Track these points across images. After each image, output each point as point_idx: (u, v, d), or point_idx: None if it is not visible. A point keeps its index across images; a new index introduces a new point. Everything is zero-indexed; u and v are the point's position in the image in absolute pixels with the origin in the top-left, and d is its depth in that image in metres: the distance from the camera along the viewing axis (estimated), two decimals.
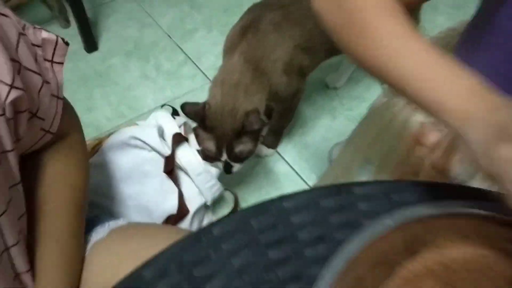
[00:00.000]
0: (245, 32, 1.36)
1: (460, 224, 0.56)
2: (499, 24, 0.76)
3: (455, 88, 0.56)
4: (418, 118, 0.89)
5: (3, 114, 0.67)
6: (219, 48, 1.83)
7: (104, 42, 2.11)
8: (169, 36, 2.13)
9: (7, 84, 0.67)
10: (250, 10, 1.48)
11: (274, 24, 1.36)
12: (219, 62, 1.76)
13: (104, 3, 2.24)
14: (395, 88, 0.63)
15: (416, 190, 0.63)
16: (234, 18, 1.89)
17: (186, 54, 2.06)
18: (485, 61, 0.79)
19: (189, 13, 2.23)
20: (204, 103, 1.29)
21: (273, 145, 1.69)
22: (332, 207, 0.65)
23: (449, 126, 0.55)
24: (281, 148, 1.70)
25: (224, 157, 1.29)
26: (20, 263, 0.78)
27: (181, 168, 1.33)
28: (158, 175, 1.30)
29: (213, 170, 1.33)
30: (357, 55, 0.67)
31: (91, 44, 2.04)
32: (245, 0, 2.04)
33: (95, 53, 2.06)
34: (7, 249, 0.74)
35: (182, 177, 1.34)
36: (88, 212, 0.97)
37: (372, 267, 0.56)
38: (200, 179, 1.29)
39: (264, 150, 1.63)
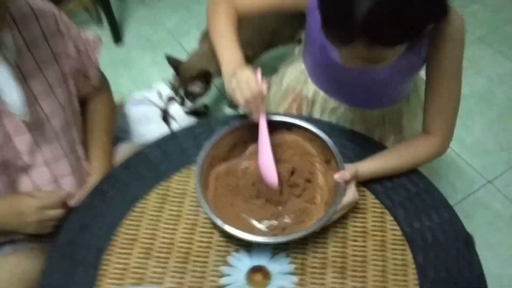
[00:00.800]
0: None
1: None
2: (310, 34, 1.06)
3: (227, 61, 0.94)
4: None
5: (72, 76, 1.03)
6: None
7: (126, 37, 2.33)
8: (171, 34, 2.35)
9: (75, 60, 1.03)
10: None
11: None
12: None
13: (127, 8, 2.46)
14: (215, 46, 0.99)
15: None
16: None
17: (182, 47, 2.28)
18: (309, 54, 1.14)
19: (187, 18, 2.42)
20: (180, 61, 1.69)
21: (234, 105, 1.82)
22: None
23: (223, 70, 0.94)
24: None
25: (182, 93, 1.67)
26: (82, 153, 1.11)
27: (172, 118, 1.66)
28: (157, 120, 1.63)
29: (192, 119, 1.68)
30: (210, 31, 1.02)
31: (117, 37, 2.29)
32: None
33: (120, 45, 2.30)
34: (73, 144, 1.07)
35: (173, 123, 1.66)
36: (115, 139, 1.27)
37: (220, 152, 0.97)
38: (183, 125, 1.56)
39: (227, 109, 1.95)
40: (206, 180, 0.94)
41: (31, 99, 0.94)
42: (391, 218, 0.98)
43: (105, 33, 2.30)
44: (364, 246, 0.93)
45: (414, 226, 0.97)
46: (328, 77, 1.13)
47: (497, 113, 2.00)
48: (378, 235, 0.95)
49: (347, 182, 0.91)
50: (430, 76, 0.98)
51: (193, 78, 1.66)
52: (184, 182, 1.02)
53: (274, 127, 0.98)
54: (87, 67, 1.10)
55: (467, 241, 0.96)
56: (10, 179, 0.99)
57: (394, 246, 0.94)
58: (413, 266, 0.91)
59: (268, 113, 0.96)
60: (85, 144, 1.15)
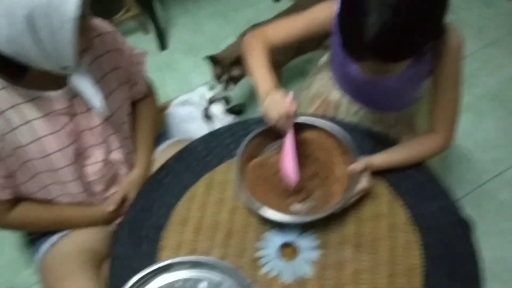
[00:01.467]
0: None
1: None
2: (334, 50, 1.20)
3: (262, 86, 1.07)
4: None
5: (126, 83, 1.17)
6: None
7: (171, 44, 2.44)
8: (211, 40, 2.44)
9: (127, 71, 1.17)
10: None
11: None
12: None
13: (170, 17, 2.57)
14: (250, 74, 1.13)
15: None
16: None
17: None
18: (334, 65, 1.27)
19: (224, 25, 2.51)
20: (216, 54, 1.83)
21: None
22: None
23: (258, 93, 1.07)
24: None
25: (225, 77, 1.81)
26: (131, 146, 1.24)
27: (213, 117, 1.80)
28: (199, 119, 1.77)
29: (230, 117, 1.82)
30: (246, 62, 1.15)
31: (163, 45, 2.40)
32: (259, 17, 2.48)
33: (165, 51, 2.41)
34: (126, 138, 1.21)
35: (214, 120, 1.79)
36: (160, 134, 1.43)
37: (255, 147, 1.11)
38: (223, 123, 1.73)
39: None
40: (243, 171, 1.08)
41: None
42: (402, 202, 1.10)
43: (151, 40, 2.44)
44: (377, 227, 1.06)
45: (420, 210, 1.09)
46: (350, 85, 1.26)
47: (508, 111, 2.08)
48: (389, 217, 1.08)
49: (361, 171, 1.03)
50: (434, 83, 1.10)
51: (233, 63, 1.80)
52: (226, 172, 1.17)
53: (299, 127, 1.11)
54: (136, 76, 1.24)
55: (465, 224, 1.08)
56: (79, 166, 1.14)
57: (403, 227, 1.06)
58: (418, 244, 1.03)
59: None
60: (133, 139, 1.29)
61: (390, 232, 1.05)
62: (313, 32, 1.15)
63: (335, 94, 1.31)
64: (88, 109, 1.09)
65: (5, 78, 0.97)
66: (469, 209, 1.07)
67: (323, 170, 1.11)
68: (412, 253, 1.01)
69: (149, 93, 1.36)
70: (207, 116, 1.77)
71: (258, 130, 1.11)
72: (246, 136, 1.11)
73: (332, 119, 1.26)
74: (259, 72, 1.11)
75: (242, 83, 2.17)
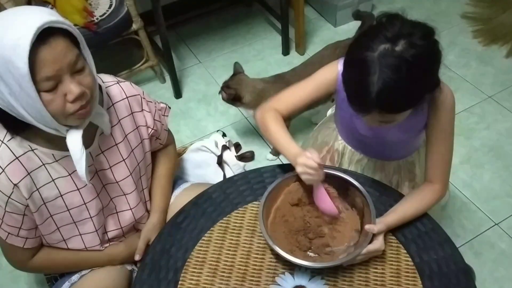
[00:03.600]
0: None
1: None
2: (339, 106, 1.28)
3: (290, 152, 1.12)
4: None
5: (148, 138, 1.21)
6: None
7: (186, 93, 2.51)
8: None
9: (151, 128, 1.23)
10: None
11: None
12: None
13: (185, 68, 2.65)
14: (274, 146, 1.19)
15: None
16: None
17: None
18: (339, 119, 1.35)
19: None
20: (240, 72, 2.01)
21: (276, 153, 2.09)
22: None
23: (289, 160, 1.13)
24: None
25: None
26: (147, 196, 1.29)
27: (225, 162, 1.85)
28: (213, 165, 1.81)
29: (241, 164, 1.88)
30: (265, 136, 1.21)
31: (178, 93, 2.47)
32: (269, 70, 2.58)
33: (180, 99, 2.48)
34: (143, 189, 1.26)
35: (226, 167, 1.84)
36: (176, 179, 1.48)
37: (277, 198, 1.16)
38: (234, 168, 1.84)
39: (269, 156, 2.11)
40: (267, 213, 1.12)
41: (118, 160, 1.16)
42: (405, 251, 1.14)
43: (167, 88, 2.53)
44: (383, 273, 1.10)
45: (423, 258, 1.12)
46: (353, 137, 1.32)
47: (505, 163, 2.13)
48: (394, 264, 1.11)
49: (375, 234, 1.06)
50: (429, 135, 1.16)
51: (230, 88, 1.98)
52: (241, 218, 1.21)
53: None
54: (159, 131, 1.29)
55: (466, 272, 1.12)
56: (100, 220, 1.20)
57: (407, 274, 1.09)
58: None
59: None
60: (150, 187, 1.34)
61: (395, 279, 1.08)
62: (321, 95, 1.22)
63: (340, 143, 1.38)
64: (112, 165, 1.15)
65: (30, 139, 1.01)
66: (469, 257, 1.11)
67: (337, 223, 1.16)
68: None
69: (169, 142, 1.41)
70: (220, 163, 1.83)
71: (283, 177, 1.17)
72: (259, 183, 1.18)
73: (346, 171, 1.32)
74: (282, 140, 1.17)
75: (251, 131, 2.26)
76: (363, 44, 0.95)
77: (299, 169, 1.08)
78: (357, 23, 2.49)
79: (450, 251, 1.14)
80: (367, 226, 1.05)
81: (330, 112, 1.55)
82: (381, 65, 0.91)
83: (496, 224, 1.91)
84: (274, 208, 1.15)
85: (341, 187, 1.16)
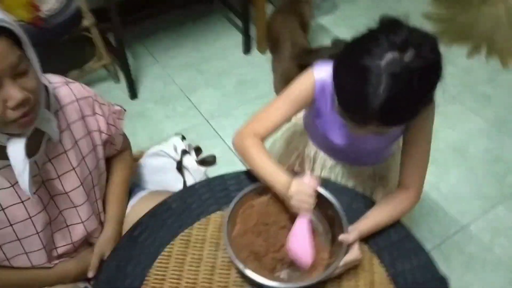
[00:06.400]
0: None
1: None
2: (314, 116, 1.20)
3: (279, 181, 1.03)
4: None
5: (101, 145, 1.14)
6: (212, 99, 2.34)
7: (142, 93, 2.44)
8: (182, 90, 2.46)
9: (105, 133, 1.15)
10: None
11: None
12: (213, 107, 2.23)
13: (141, 67, 2.57)
14: (259, 177, 1.08)
15: None
16: (223, 80, 2.43)
17: (192, 102, 2.39)
18: (312, 128, 1.29)
19: (195, 76, 2.53)
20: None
21: None
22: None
23: (279, 193, 1.04)
24: None
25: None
26: (100, 207, 1.20)
27: (185, 168, 1.73)
28: (172, 170, 1.69)
29: (202, 169, 1.76)
30: (248, 165, 1.12)
31: (133, 94, 2.40)
32: (231, 69, 2.62)
33: (136, 100, 2.41)
34: (96, 200, 1.18)
35: (186, 172, 1.72)
36: (132, 186, 1.40)
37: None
38: (195, 174, 1.71)
39: None
40: (232, 227, 1.06)
41: (68, 168, 1.07)
42: (379, 260, 1.10)
43: (122, 88, 2.43)
44: (357, 286, 1.06)
45: (397, 268, 1.09)
46: (327, 145, 1.27)
47: (470, 164, 2.16)
48: (368, 276, 1.07)
49: (350, 243, 1.01)
50: (407, 140, 1.12)
51: None
52: (204, 230, 1.14)
53: None
54: (114, 136, 1.21)
55: (442, 281, 1.09)
56: (47, 235, 1.11)
57: (381, 286, 1.06)
58: None
59: None
60: (104, 196, 1.26)
61: None
62: (300, 109, 1.16)
63: (311, 149, 1.33)
64: (60, 175, 1.06)
65: None
66: (438, 261, 1.08)
67: None
68: None
69: (124, 147, 1.34)
70: (180, 169, 1.74)
71: (248, 189, 1.11)
72: (223, 191, 1.12)
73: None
74: (268, 168, 1.08)
75: (211, 133, 2.19)
76: (367, 50, 0.86)
77: (294, 201, 1.00)
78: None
79: (424, 259, 1.11)
80: (341, 237, 1.00)
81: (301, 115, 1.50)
82: (388, 75, 0.84)
83: (464, 226, 1.91)
84: (240, 223, 1.09)
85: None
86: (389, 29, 0.87)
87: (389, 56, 0.84)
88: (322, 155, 1.31)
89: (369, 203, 1.19)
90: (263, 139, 1.14)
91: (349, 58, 0.91)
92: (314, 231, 1.05)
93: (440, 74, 0.89)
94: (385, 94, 0.84)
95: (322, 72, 1.09)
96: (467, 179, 2.09)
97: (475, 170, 2.13)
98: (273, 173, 1.07)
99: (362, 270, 1.08)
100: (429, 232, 1.87)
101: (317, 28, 2.80)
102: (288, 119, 1.16)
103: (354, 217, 1.12)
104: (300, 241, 1.00)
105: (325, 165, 1.31)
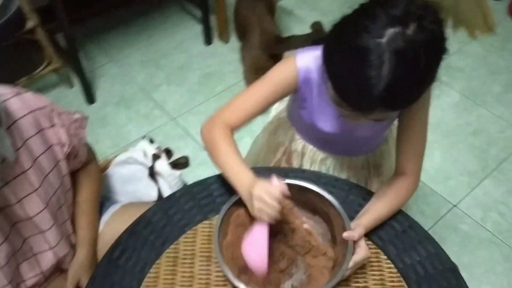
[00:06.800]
0: None
1: None
2: (300, 105, 1.12)
3: (242, 181, 0.95)
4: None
5: (64, 159, 1.05)
6: (177, 96, 2.27)
7: (100, 96, 2.32)
8: (143, 89, 2.36)
9: (67, 146, 1.05)
10: None
11: None
12: (179, 105, 2.15)
13: (96, 68, 2.46)
14: (223, 173, 1.01)
15: None
16: (186, 74, 2.35)
17: (155, 101, 2.30)
18: (298, 119, 1.20)
19: (155, 73, 2.44)
20: None
21: None
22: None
23: (238, 192, 0.95)
24: None
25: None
26: (70, 228, 1.13)
27: (158, 173, 1.62)
28: (144, 178, 1.59)
29: (177, 173, 1.67)
30: (213, 158, 1.02)
31: (90, 98, 2.29)
32: (193, 62, 2.53)
33: (94, 105, 2.29)
34: (64, 221, 1.10)
35: (159, 178, 1.62)
36: (102, 200, 1.32)
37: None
38: (169, 179, 1.61)
39: None
40: (221, 245, 0.95)
41: (29, 191, 0.97)
42: (385, 256, 1.04)
43: (77, 93, 2.31)
44: (366, 286, 0.99)
45: (406, 262, 1.03)
46: (315, 135, 1.19)
47: (452, 140, 2.14)
48: (376, 274, 1.01)
49: (355, 241, 0.93)
50: (405, 125, 1.06)
51: None
52: (192, 243, 1.05)
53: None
54: (77, 147, 1.12)
55: (454, 270, 1.03)
56: (15, 267, 1.02)
57: (392, 283, 0.99)
58: None
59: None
60: (72, 216, 1.17)
61: None
62: (279, 97, 1.07)
63: (298, 143, 1.25)
64: (20, 199, 0.96)
65: None
66: None
67: (303, 239, 1.01)
68: None
69: (89, 159, 1.24)
70: (152, 175, 1.63)
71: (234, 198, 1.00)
72: (207, 198, 1.04)
73: (302, 170, 1.20)
74: (234, 166, 0.99)
75: (180, 133, 2.10)
76: (363, 27, 0.77)
77: (256, 203, 0.89)
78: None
79: (433, 249, 1.06)
80: (345, 234, 0.92)
81: (277, 106, 1.41)
82: (391, 53, 0.76)
83: (454, 205, 1.89)
84: (231, 235, 0.99)
85: (299, 196, 1.02)
86: (385, 1, 0.79)
87: (391, 31, 0.76)
88: (311, 148, 1.23)
89: (366, 194, 1.13)
90: (233, 130, 1.05)
91: (342, 39, 0.82)
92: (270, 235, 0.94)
93: (444, 46, 0.82)
94: (390, 75, 0.76)
95: (305, 59, 1.01)
96: (451, 157, 2.06)
97: (457, 146, 2.11)
98: (237, 171, 0.98)
99: (370, 269, 1.01)
100: (421, 215, 1.83)
101: (280, 11, 2.72)
102: (264, 109, 1.07)
103: (351, 210, 1.07)
104: (258, 249, 0.91)
105: (314, 158, 1.23)
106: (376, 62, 0.76)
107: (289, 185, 0.94)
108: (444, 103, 2.30)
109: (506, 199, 1.92)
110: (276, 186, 0.89)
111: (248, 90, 1.07)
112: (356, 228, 0.94)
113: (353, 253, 0.93)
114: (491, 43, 2.68)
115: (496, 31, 2.74)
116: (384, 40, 0.76)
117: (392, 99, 0.80)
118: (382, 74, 0.76)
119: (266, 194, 0.88)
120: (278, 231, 1.00)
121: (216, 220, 0.98)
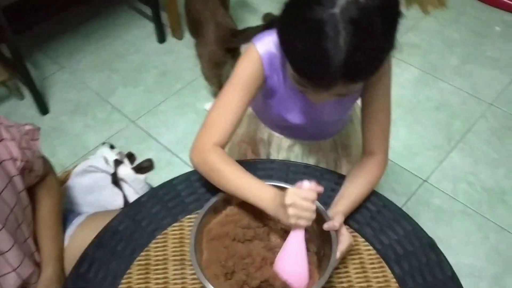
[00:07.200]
0: None
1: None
2: (266, 94, 1.08)
3: (264, 195, 0.89)
4: None
5: (18, 174, 0.99)
6: (134, 98, 2.21)
7: (53, 106, 2.24)
8: (98, 94, 2.29)
9: (20, 160, 0.98)
10: None
11: None
12: (137, 107, 2.10)
13: (47, 77, 2.37)
14: (239, 196, 0.92)
15: None
16: (141, 75, 2.29)
17: (112, 105, 2.23)
18: (265, 116, 1.20)
19: (110, 76, 2.37)
20: None
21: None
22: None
23: (266, 211, 0.89)
24: None
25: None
26: (32, 246, 1.07)
27: (122, 179, 1.57)
28: (108, 186, 1.54)
29: (142, 177, 1.62)
30: (219, 185, 0.95)
31: (43, 109, 2.20)
32: (148, 62, 2.47)
33: (47, 115, 2.20)
34: (26, 239, 1.04)
35: (123, 185, 1.56)
36: (64, 213, 1.26)
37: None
38: (134, 184, 1.57)
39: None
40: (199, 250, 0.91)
41: None
42: (362, 239, 1.02)
43: (28, 105, 2.22)
44: (347, 272, 0.97)
45: (384, 242, 1.02)
46: (283, 125, 1.16)
47: (416, 116, 2.16)
48: (356, 257, 0.99)
49: (337, 230, 0.90)
50: (368, 103, 1.04)
51: None
52: (163, 248, 1.01)
53: None
54: (31, 161, 1.07)
55: (432, 245, 1.03)
56: None
57: (372, 265, 0.98)
58: (393, 279, 0.96)
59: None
60: (34, 233, 1.12)
61: (361, 274, 0.96)
62: (254, 94, 1.02)
63: (264, 131, 1.22)
64: None
65: None
66: None
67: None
68: None
69: (46, 172, 1.19)
70: (116, 182, 1.58)
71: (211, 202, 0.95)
72: (175, 199, 1.00)
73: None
74: (250, 185, 0.92)
75: (141, 135, 2.05)
76: (314, 0, 0.76)
77: (291, 210, 0.83)
78: None
79: (409, 226, 1.05)
80: (325, 226, 0.89)
81: None
82: (346, 22, 0.74)
83: (425, 180, 1.90)
84: (206, 250, 0.94)
85: None
86: None
87: (342, 1, 0.74)
88: (277, 136, 1.21)
89: (337, 178, 1.11)
90: (224, 146, 1.00)
91: (295, 15, 0.80)
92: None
93: (399, 9, 0.80)
94: (348, 45, 0.74)
95: (265, 44, 0.98)
96: (416, 133, 2.08)
97: (421, 122, 2.13)
98: (255, 189, 0.92)
99: (349, 253, 0.99)
100: (393, 193, 1.84)
101: (233, 3, 2.68)
102: (244, 112, 1.02)
103: (324, 196, 1.01)
104: (296, 260, 0.87)
105: (282, 146, 1.21)
106: (332, 33, 0.74)
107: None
108: (404, 80, 2.31)
109: (473, 169, 1.95)
110: (310, 188, 0.85)
111: (221, 100, 1.01)
112: (336, 217, 0.91)
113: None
114: (445, 17, 2.72)
115: (448, 5, 2.78)
116: (337, 10, 0.74)
117: (352, 70, 0.78)
118: (339, 45, 0.74)
119: (300, 199, 0.83)
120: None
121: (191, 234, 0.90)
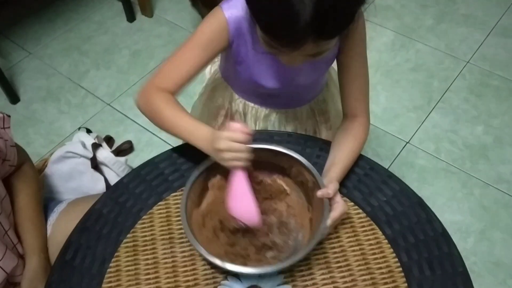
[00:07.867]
0: None
1: None
2: (236, 60, 1.05)
3: (201, 136, 0.89)
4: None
5: None
6: (107, 80, 2.15)
7: (23, 94, 2.16)
8: (69, 79, 2.22)
9: None
10: None
11: None
12: (111, 89, 2.04)
13: (14, 64, 2.30)
14: (178, 137, 0.95)
15: None
16: (113, 56, 2.23)
17: (85, 89, 2.17)
18: (234, 77, 1.16)
19: (80, 59, 2.30)
20: None
21: None
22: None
23: (203, 151, 0.89)
24: None
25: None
26: (14, 238, 1.05)
27: (102, 163, 1.58)
28: (88, 171, 1.54)
29: (122, 159, 1.62)
30: (161, 127, 0.97)
31: (13, 97, 2.13)
32: (119, 42, 2.40)
33: (19, 104, 2.13)
34: (6, 232, 1.03)
35: (104, 168, 1.58)
36: (45, 202, 1.24)
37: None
38: (115, 167, 1.58)
39: None
40: (190, 219, 0.90)
41: None
42: (352, 203, 1.01)
43: None
44: (338, 237, 0.96)
45: (373, 204, 1.01)
46: (257, 94, 1.14)
47: (394, 79, 2.15)
48: (346, 222, 0.98)
49: (331, 198, 0.89)
50: (344, 63, 1.03)
51: None
52: (150, 228, 0.99)
53: None
54: (4, 151, 1.04)
55: (421, 204, 1.03)
56: None
57: (363, 228, 0.97)
58: (385, 240, 0.95)
59: None
60: (14, 226, 1.09)
61: (353, 238, 0.96)
62: (213, 55, 1.00)
63: (238, 102, 1.20)
64: None
65: None
66: None
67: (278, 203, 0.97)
68: (382, 250, 0.94)
69: (22, 161, 1.15)
70: (96, 166, 1.54)
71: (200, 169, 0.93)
72: (158, 178, 0.98)
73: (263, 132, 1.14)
74: (187, 126, 0.93)
75: (118, 117, 2.00)
76: None
77: (225, 154, 0.84)
78: None
79: (397, 186, 1.05)
80: (319, 193, 0.88)
81: (210, 68, 1.35)
82: None
83: (407, 142, 1.90)
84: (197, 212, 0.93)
85: (258, 158, 0.95)
86: None
87: None
88: (252, 106, 1.18)
89: (322, 144, 1.10)
90: (173, 92, 0.99)
91: None
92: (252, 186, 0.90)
93: None
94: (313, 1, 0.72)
95: (232, 9, 0.95)
96: (395, 95, 2.08)
97: (400, 84, 2.12)
98: (192, 130, 0.92)
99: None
100: (376, 157, 1.84)
101: None
102: (200, 69, 1.00)
103: (311, 163, 1.01)
104: (244, 199, 0.88)
105: (258, 116, 1.19)
106: None
107: (257, 149, 0.90)
108: (380, 44, 2.30)
109: (454, 127, 1.96)
110: (237, 128, 0.84)
111: (179, 51, 0.99)
112: (329, 185, 0.90)
113: (330, 210, 0.88)
114: None
115: None
116: None
117: (322, 25, 0.75)
118: (304, 1, 0.71)
119: (231, 142, 0.83)
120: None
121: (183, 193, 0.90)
